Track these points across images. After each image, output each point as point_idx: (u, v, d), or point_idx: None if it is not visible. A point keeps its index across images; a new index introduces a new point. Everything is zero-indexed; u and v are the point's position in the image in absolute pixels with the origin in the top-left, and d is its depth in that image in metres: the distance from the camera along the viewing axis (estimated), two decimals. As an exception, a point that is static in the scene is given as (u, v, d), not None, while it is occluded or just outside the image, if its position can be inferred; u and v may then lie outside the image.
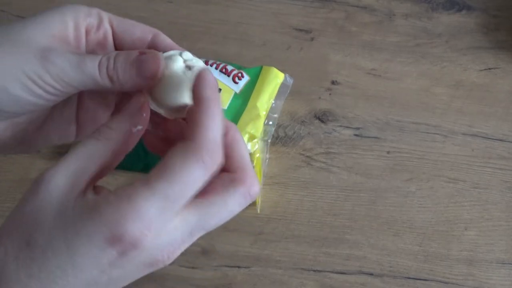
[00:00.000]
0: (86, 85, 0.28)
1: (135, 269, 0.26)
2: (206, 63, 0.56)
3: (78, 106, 0.33)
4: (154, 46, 0.31)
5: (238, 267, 0.50)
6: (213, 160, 0.25)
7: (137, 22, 0.31)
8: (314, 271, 0.50)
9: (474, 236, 0.52)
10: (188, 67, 0.29)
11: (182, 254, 0.50)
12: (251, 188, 0.28)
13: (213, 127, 0.26)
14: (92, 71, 0.28)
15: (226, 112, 0.54)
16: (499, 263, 0.50)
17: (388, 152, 0.56)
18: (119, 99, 0.34)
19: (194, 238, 0.28)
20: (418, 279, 0.49)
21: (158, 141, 0.33)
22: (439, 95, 0.60)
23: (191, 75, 0.29)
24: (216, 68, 0.56)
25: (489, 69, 0.61)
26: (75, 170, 0.27)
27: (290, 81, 0.58)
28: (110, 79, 0.28)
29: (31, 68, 0.27)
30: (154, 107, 0.30)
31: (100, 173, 0.28)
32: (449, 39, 0.64)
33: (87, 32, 0.30)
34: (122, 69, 0.28)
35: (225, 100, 0.55)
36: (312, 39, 0.63)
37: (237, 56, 0.61)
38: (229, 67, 0.57)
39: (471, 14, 0.66)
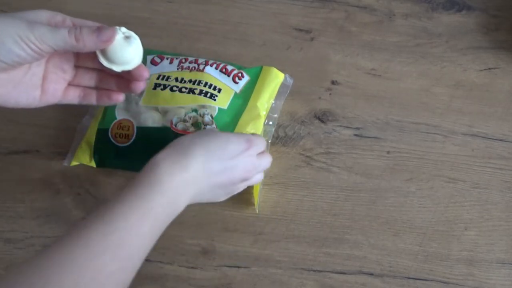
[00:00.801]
0: (58, 45, 0.40)
1: (242, 166, 0.47)
2: (206, 63, 0.56)
3: (43, 77, 0.45)
4: None
5: (238, 267, 0.50)
6: None
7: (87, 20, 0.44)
8: (314, 271, 0.50)
9: (474, 236, 0.52)
10: (127, 37, 0.44)
11: (182, 254, 0.51)
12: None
13: None
14: (63, 34, 0.41)
15: (226, 112, 0.54)
16: (499, 263, 0.50)
17: (388, 152, 0.56)
18: (73, 74, 0.47)
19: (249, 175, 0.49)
20: (418, 279, 0.50)
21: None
22: (439, 95, 0.60)
23: (129, 41, 0.44)
24: (216, 68, 0.56)
25: (489, 69, 0.61)
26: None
27: (290, 81, 0.58)
28: (77, 40, 0.41)
29: (22, 31, 0.39)
30: (107, 64, 0.44)
31: None
32: (449, 39, 0.64)
33: (57, 24, 0.43)
34: (86, 34, 0.41)
35: (225, 100, 0.55)
36: (312, 39, 0.63)
37: (237, 56, 0.61)
38: (229, 67, 0.57)
39: (471, 14, 0.66)
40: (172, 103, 0.54)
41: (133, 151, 0.52)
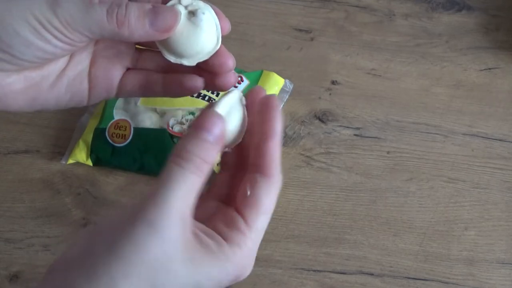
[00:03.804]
0: (93, 32, 0.28)
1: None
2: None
3: (90, 64, 0.32)
4: None
5: (238, 267, 0.50)
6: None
7: None
8: (314, 271, 0.50)
9: (474, 236, 0.51)
10: (192, 13, 0.30)
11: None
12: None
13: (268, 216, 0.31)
14: (100, 16, 0.28)
15: None
16: (499, 263, 0.50)
17: (388, 152, 0.56)
18: (134, 58, 0.33)
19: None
20: (418, 279, 0.49)
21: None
22: (439, 95, 0.60)
23: (197, 21, 0.30)
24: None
25: (489, 69, 0.61)
26: (182, 209, 0.26)
27: (290, 86, 0.58)
28: (120, 24, 0.28)
29: (40, 11, 0.27)
30: (173, 59, 0.31)
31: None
32: (449, 39, 0.64)
33: None
34: (134, 17, 0.28)
35: None
36: (312, 39, 0.63)
37: (237, 56, 0.61)
38: None
39: (471, 14, 0.66)
40: (170, 105, 0.54)
41: (128, 151, 0.53)
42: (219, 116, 0.28)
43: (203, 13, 0.31)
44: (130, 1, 0.29)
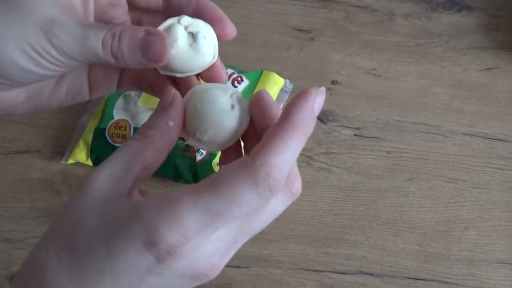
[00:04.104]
0: (90, 60, 0.28)
1: (177, 280, 0.25)
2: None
3: (89, 66, 0.32)
4: None
5: (238, 267, 0.50)
6: (270, 189, 0.24)
7: None
8: (314, 271, 0.50)
9: (474, 236, 0.51)
10: (192, 34, 0.30)
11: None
12: (292, 187, 0.27)
13: (286, 156, 0.24)
14: (96, 48, 0.28)
15: None
16: (499, 263, 0.50)
17: (388, 152, 0.56)
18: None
19: (239, 245, 0.27)
20: (418, 279, 0.49)
21: None
22: (439, 95, 0.60)
23: (198, 47, 0.30)
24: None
25: (489, 69, 0.61)
26: (119, 171, 0.26)
27: (290, 86, 0.58)
28: (114, 57, 0.28)
29: (36, 41, 0.27)
30: (166, 72, 0.31)
31: (144, 173, 0.27)
32: (449, 39, 0.64)
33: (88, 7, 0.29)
34: (127, 49, 0.28)
35: None
36: (312, 39, 0.63)
37: (237, 56, 0.61)
38: (229, 71, 0.57)
39: (471, 14, 0.66)
40: None
41: None
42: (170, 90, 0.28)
43: (204, 37, 0.30)
44: (125, 28, 0.28)
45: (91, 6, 0.29)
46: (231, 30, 0.31)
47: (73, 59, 0.28)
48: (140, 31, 0.28)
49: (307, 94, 0.26)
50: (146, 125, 0.28)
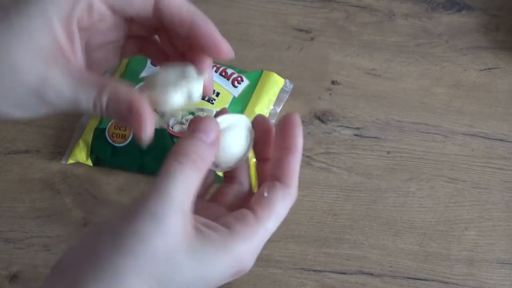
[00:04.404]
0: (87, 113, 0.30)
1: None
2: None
3: (88, 52, 0.32)
4: (159, 13, 0.31)
5: (238, 267, 0.50)
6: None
7: None
8: (314, 271, 0.50)
9: (474, 236, 0.51)
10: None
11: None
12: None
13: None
14: (86, 109, 0.28)
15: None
16: (499, 263, 0.50)
17: (388, 152, 0.56)
18: (125, 32, 0.33)
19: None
20: (418, 279, 0.49)
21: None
22: (439, 95, 0.60)
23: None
24: (216, 71, 0.56)
25: (489, 69, 0.61)
26: (183, 202, 0.27)
27: (290, 86, 0.58)
28: (108, 117, 0.30)
29: (28, 102, 0.27)
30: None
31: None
32: (449, 39, 0.64)
33: (79, 22, 0.28)
34: (117, 117, 0.29)
35: (223, 104, 0.55)
36: (312, 39, 0.63)
37: (237, 56, 0.61)
38: (229, 71, 0.57)
39: (471, 14, 0.66)
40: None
41: (129, 151, 0.53)
42: (216, 122, 0.30)
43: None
44: (113, 93, 0.28)
45: (77, 37, 0.29)
46: (227, 55, 0.33)
47: (65, 106, 0.28)
48: (124, 103, 0.28)
49: (298, 122, 0.32)
50: (200, 155, 0.28)
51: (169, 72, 0.31)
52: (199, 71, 0.32)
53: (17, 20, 0.26)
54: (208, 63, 0.33)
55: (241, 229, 0.28)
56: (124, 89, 0.28)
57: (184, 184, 0.27)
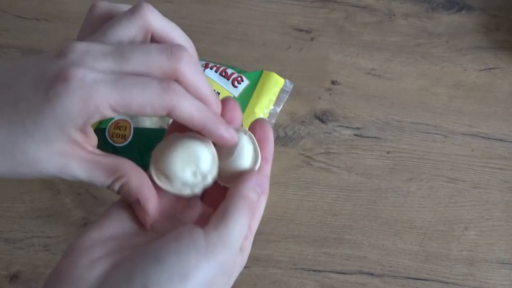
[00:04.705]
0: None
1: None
2: (206, 65, 0.56)
3: None
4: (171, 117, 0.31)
5: (238, 267, 0.50)
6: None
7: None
8: (314, 271, 0.50)
9: (474, 236, 0.52)
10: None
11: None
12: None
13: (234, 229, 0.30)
14: (102, 187, 0.30)
15: None
16: (499, 263, 0.50)
17: (388, 152, 0.56)
18: None
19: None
20: (418, 279, 0.49)
21: None
22: (439, 95, 0.60)
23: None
24: (216, 71, 0.56)
25: (489, 69, 0.61)
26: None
27: (290, 86, 0.58)
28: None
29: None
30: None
31: None
32: (449, 39, 0.64)
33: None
34: (125, 198, 0.31)
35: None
36: (312, 39, 0.63)
37: (237, 56, 0.61)
38: (229, 71, 0.57)
39: (471, 14, 0.66)
40: None
41: (129, 151, 0.53)
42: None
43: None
44: (127, 182, 0.30)
45: (90, 132, 0.30)
46: (232, 145, 0.32)
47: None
48: (133, 196, 0.31)
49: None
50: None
51: (178, 147, 0.32)
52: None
53: (33, 128, 0.27)
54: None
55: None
56: (134, 181, 0.30)
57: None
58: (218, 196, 0.32)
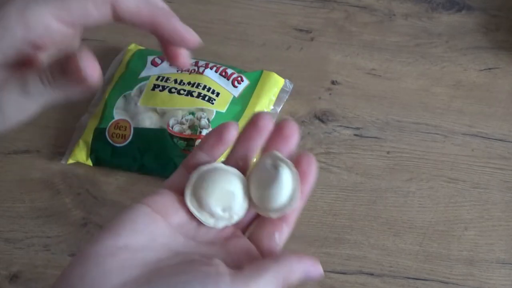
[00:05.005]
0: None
1: None
2: (206, 65, 0.56)
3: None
4: (118, 19, 0.30)
5: (238, 267, 0.50)
6: None
7: None
8: (314, 271, 0.50)
9: (474, 236, 0.51)
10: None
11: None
12: None
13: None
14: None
15: (224, 116, 0.54)
16: (499, 263, 0.50)
17: (388, 152, 0.56)
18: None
19: None
20: (418, 279, 0.49)
21: None
22: (439, 95, 0.60)
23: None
24: (216, 71, 0.56)
25: (489, 69, 0.61)
26: None
27: (290, 86, 0.58)
28: None
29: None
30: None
31: None
32: (449, 39, 0.64)
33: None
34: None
35: (223, 104, 0.55)
36: (312, 39, 0.63)
37: (237, 56, 0.61)
38: (229, 71, 0.57)
39: (471, 14, 0.66)
40: (170, 105, 0.54)
41: (128, 151, 0.53)
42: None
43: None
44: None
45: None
46: (194, 43, 0.31)
47: None
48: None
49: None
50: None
51: (222, 182, 0.32)
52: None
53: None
54: (182, 53, 0.32)
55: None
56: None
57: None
58: (248, 219, 0.33)
